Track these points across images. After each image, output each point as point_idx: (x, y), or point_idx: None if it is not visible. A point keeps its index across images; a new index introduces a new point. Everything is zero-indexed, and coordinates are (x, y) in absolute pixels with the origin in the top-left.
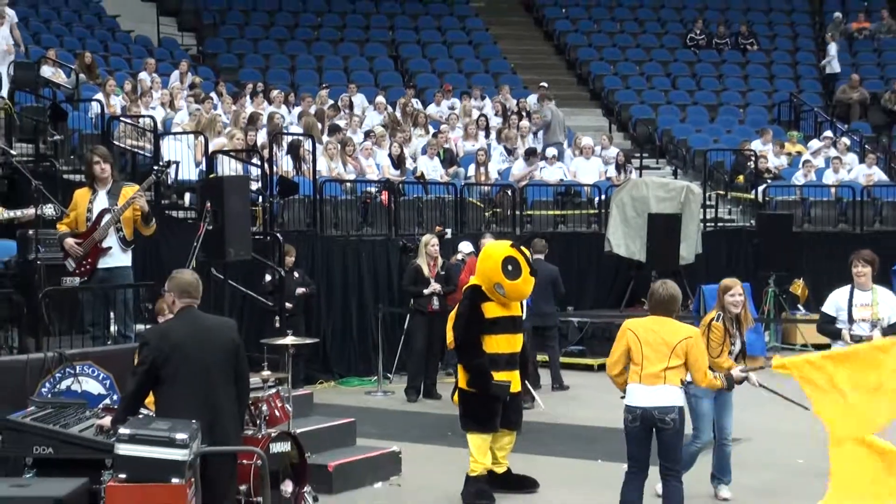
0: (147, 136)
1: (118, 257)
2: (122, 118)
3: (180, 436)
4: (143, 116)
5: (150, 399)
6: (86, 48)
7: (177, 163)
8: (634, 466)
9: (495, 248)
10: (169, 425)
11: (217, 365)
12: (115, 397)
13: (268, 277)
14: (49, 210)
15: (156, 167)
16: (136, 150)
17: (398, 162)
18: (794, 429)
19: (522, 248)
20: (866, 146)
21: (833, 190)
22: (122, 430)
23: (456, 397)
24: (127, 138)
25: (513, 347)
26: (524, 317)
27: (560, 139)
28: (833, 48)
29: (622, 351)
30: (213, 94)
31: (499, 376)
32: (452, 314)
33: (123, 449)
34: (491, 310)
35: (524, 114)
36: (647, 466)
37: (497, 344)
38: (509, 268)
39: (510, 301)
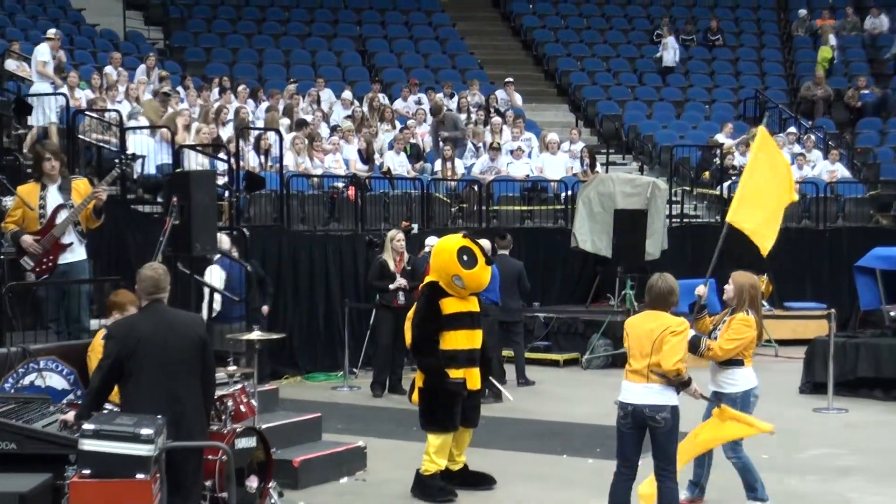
0: (113, 129)
1: (77, 251)
2: (87, 112)
3: (145, 431)
4: (109, 110)
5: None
6: None
7: (142, 157)
8: (623, 466)
9: (447, 242)
10: (134, 420)
11: (182, 360)
12: (79, 392)
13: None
14: (8, 202)
15: (118, 161)
16: (101, 143)
17: (367, 156)
18: None
19: (474, 238)
20: (830, 143)
21: (797, 186)
22: (87, 426)
23: (415, 397)
24: (92, 132)
25: (472, 343)
26: (493, 312)
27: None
28: (672, 41)
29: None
30: (179, 89)
31: (456, 373)
32: (411, 313)
33: (88, 444)
34: (449, 305)
35: (492, 109)
36: (636, 466)
37: (456, 340)
38: (464, 258)
39: (469, 292)
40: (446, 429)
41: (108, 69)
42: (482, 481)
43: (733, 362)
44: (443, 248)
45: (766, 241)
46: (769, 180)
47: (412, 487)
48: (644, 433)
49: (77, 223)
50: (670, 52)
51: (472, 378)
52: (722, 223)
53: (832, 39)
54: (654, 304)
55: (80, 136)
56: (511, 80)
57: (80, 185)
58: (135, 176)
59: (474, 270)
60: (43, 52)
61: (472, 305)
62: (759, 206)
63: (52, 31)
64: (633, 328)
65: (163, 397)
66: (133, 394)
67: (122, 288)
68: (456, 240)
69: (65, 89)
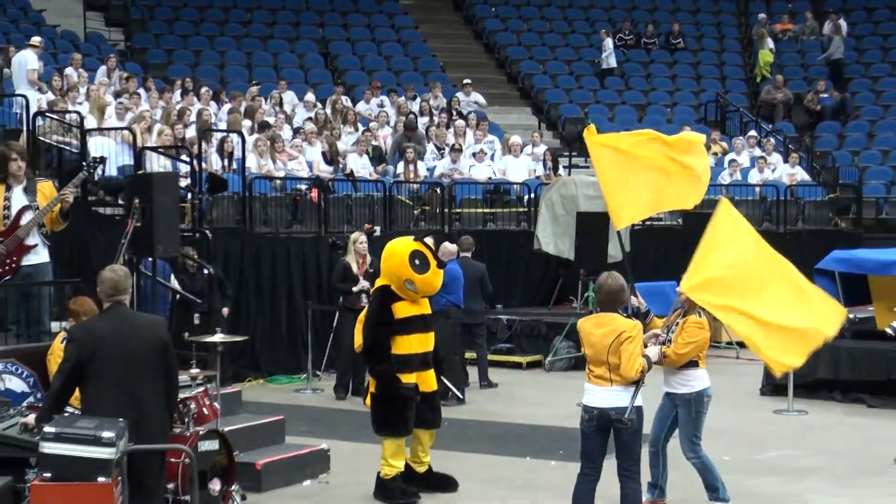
0: (73, 131)
1: (41, 254)
2: (47, 114)
3: (107, 434)
4: (70, 112)
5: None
6: (11, 42)
7: (105, 159)
8: (587, 467)
9: (399, 245)
10: (95, 423)
11: (143, 363)
12: (38, 395)
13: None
14: None
15: (85, 163)
16: (62, 145)
17: (330, 158)
18: (720, 426)
19: (426, 240)
20: (790, 146)
21: (758, 189)
22: (48, 429)
23: (368, 401)
24: (53, 134)
25: (425, 347)
26: (454, 314)
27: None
28: (609, 43)
29: None
30: (140, 91)
31: (409, 378)
32: (362, 316)
33: (49, 447)
34: (402, 309)
35: (454, 111)
36: (600, 468)
37: (409, 344)
38: (416, 262)
39: (421, 296)
40: (399, 433)
41: (69, 71)
42: (445, 484)
43: (688, 363)
44: (394, 253)
45: (688, 197)
46: (624, 164)
47: (374, 492)
48: (608, 435)
49: (41, 225)
50: (611, 54)
51: (427, 381)
52: (684, 226)
53: (770, 43)
54: (605, 304)
55: (41, 138)
56: (469, 81)
57: (46, 188)
58: (96, 178)
59: (427, 275)
60: (31, 59)
61: (425, 308)
62: (634, 191)
63: (36, 39)
64: (587, 334)
65: (123, 400)
66: (94, 396)
67: (82, 291)
68: (407, 243)
69: (29, 92)
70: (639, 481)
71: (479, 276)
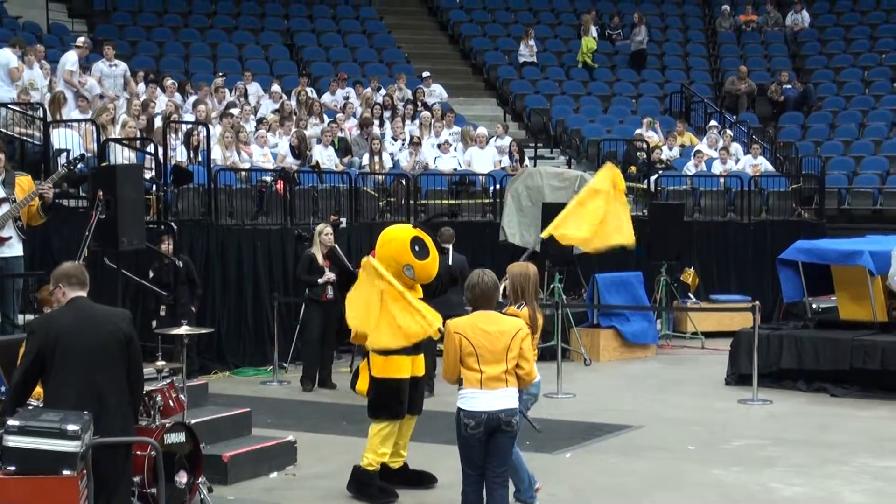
0: (36, 123)
1: (16, 247)
2: (9, 105)
3: (72, 427)
4: (32, 104)
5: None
6: None
7: (84, 156)
8: (474, 473)
9: (399, 231)
10: (60, 416)
11: (103, 356)
12: (3, 388)
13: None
14: None
15: (68, 160)
16: (24, 137)
17: (299, 152)
18: (687, 416)
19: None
20: (753, 137)
21: (722, 180)
22: (12, 422)
23: (359, 386)
24: (15, 126)
25: None
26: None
27: None
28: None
29: (456, 356)
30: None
31: (404, 362)
32: None
33: (13, 440)
34: None
35: (419, 103)
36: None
37: None
38: (416, 248)
39: (419, 283)
40: (396, 416)
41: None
42: (423, 480)
43: None
44: (394, 238)
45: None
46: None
47: (348, 484)
48: (490, 437)
49: (18, 218)
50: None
51: (418, 365)
52: (649, 216)
53: (593, 31)
54: (482, 303)
55: (3, 130)
56: (428, 74)
57: (24, 182)
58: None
59: (427, 261)
60: (71, 60)
61: (416, 293)
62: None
63: (81, 40)
64: (475, 333)
65: (80, 393)
66: (52, 389)
67: (46, 283)
68: (407, 230)
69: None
70: (507, 486)
71: (460, 267)
